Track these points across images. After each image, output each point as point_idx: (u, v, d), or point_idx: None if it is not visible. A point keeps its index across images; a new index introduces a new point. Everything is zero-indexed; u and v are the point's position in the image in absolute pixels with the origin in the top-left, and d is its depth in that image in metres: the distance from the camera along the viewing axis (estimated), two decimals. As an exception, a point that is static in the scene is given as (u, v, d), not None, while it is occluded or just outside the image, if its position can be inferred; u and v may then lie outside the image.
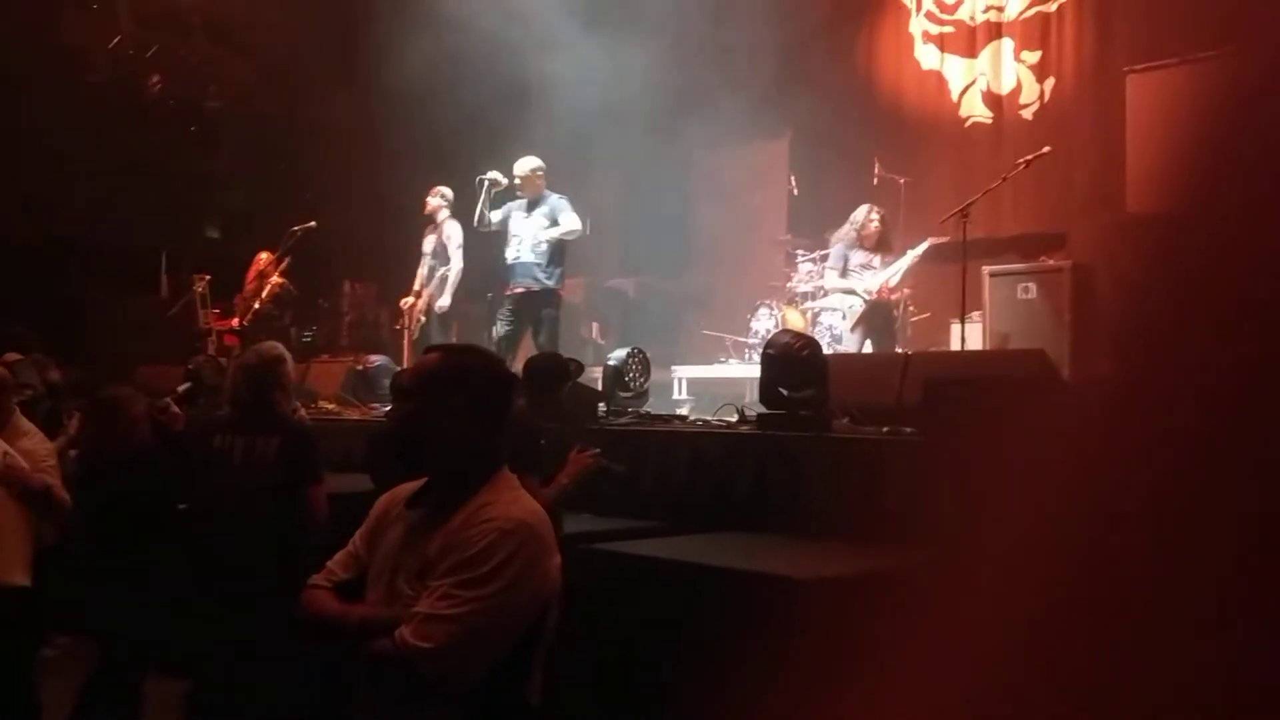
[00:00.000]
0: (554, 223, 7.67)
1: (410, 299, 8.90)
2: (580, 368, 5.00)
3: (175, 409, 5.05)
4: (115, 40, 11.94)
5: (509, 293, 7.81)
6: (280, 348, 4.58)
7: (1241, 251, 0.52)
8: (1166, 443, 0.52)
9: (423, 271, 8.81)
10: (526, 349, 7.64)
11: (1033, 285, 7.46)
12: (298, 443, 4.29)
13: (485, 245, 8.32)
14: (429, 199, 8.79)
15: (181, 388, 5.55)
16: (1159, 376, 0.54)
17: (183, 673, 4.80)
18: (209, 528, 4.35)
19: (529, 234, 7.65)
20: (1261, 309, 0.50)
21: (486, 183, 7.81)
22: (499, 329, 7.75)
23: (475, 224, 7.99)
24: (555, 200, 7.74)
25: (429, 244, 8.83)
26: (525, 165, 7.78)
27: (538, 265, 7.63)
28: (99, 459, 4.50)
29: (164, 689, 4.60)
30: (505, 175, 7.90)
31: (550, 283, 7.67)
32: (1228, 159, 0.54)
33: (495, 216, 7.87)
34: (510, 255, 7.78)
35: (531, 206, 7.75)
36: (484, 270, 8.64)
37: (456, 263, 8.57)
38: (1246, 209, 0.52)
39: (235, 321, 9.94)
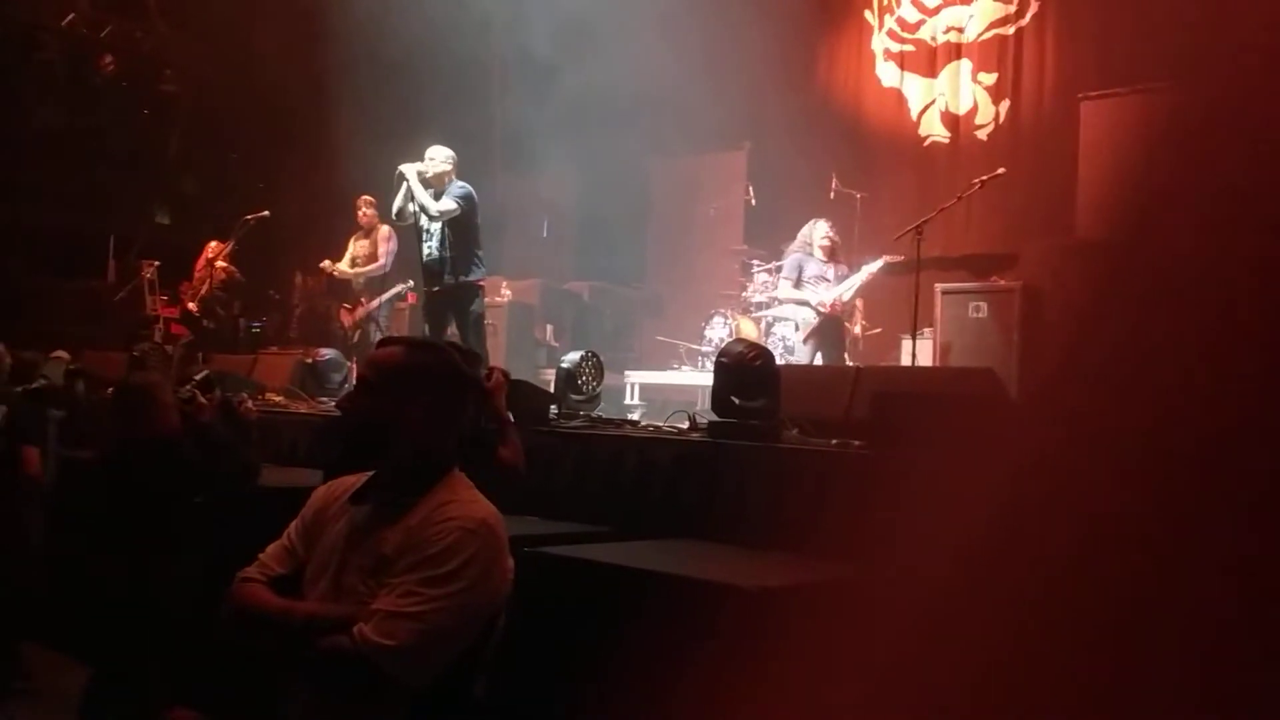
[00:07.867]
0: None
1: (352, 306, 9.12)
2: (479, 360, 4.93)
3: (201, 399, 4.92)
4: (68, 19, 11.71)
5: (428, 291, 7.60)
6: None
7: (1183, 279, 0.53)
8: (1108, 464, 0.53)
9: (360, 280, 9.11)
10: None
11: (984, 304, 7.55)
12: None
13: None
14: (364, 209, 9.06)
15: (199, 375, 5.33)
16: (1107, 399, 0.55)
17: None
18: None
19: (436, 229, 7.40)
20: (1203, 334, 0.51)
21: (406, 176, 7.51)
22: (426, 328, 7.59)
23: (394, 217, 7.83)
24: (454, 188, 7.41)
25: (362, 249, 9.09)
26: (434, 156, 7.47)
27: (449, 260, 7.35)
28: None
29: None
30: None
31: (467, 277, 7.35)
32: (1172, 189, 0.55)
33: (414, 210, 7.55)
34: (425, 253, 7.51)
35: (438, 200, 7.40)
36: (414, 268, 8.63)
37: (388, 267, 9.03)
38: (1188, 238, 0.53)
39: (182, 309, 9.84)
